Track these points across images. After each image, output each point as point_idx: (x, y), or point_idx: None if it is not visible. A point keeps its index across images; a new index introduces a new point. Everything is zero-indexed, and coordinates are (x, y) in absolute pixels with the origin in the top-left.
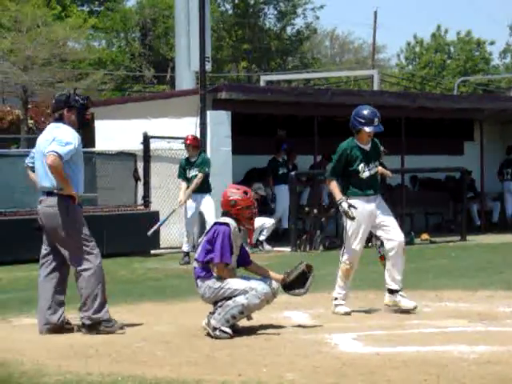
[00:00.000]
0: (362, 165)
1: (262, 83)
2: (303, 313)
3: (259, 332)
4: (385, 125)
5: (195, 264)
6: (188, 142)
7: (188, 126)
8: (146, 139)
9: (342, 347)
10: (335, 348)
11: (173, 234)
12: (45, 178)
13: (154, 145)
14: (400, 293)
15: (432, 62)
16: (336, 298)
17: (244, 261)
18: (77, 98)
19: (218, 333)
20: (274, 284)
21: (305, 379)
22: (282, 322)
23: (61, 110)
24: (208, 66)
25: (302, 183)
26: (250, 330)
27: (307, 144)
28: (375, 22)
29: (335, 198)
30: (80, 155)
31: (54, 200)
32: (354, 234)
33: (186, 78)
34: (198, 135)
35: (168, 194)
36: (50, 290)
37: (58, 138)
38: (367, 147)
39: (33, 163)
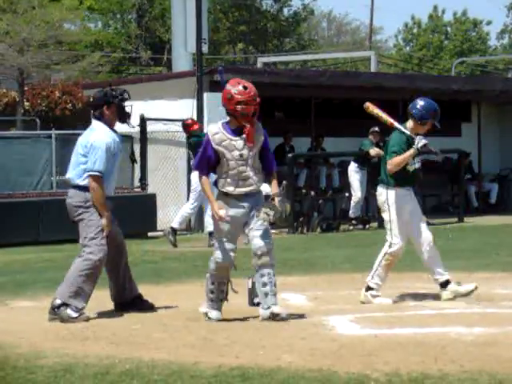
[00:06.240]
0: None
1: (258, 65)
2: (301, 295)
3: (256, 314)
4: (382, 107)
5: None
6: (196, 127)
7: (185, 108)
8: (143, 121)
9: (340, 329)
10: (333, 330)
11: (170, 216)
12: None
13: (150, 127)
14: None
15: (429, 43)
16: (372, 288)
17: (268, 166)
18: (114, 93)
19: (206, 318)
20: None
21: (302, 361)
22: (280, 303)
23: (100, 107)
24: (205, 48)
25: (300, 165)
26: (247, 312)
27: (304, 125)
28: (372, 3)
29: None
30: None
31: None
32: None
33: (182, 60)
34: (195, 117)
35: (165, 177)
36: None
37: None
38: None
39: None
